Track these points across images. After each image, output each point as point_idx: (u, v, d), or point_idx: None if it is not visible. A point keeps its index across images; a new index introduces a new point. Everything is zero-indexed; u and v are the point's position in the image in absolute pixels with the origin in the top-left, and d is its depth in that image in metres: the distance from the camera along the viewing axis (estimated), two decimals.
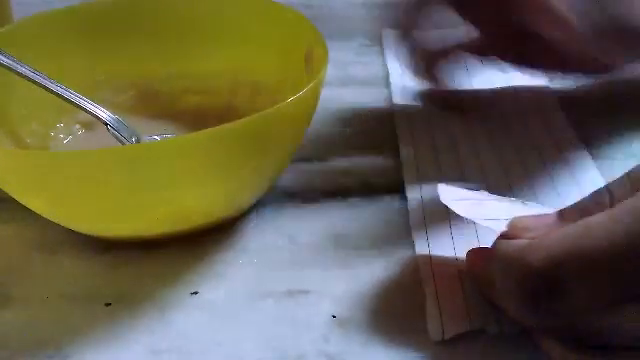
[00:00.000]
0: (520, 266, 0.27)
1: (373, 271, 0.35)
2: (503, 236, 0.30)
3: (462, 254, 0.35)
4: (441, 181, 0.37)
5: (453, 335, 0.31)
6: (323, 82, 0.37)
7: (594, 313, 0.26)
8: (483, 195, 0.35)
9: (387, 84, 0.52)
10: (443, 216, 0.38)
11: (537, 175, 0.41)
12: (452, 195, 0.34)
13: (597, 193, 0.29)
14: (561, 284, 0.26)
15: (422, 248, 0.36)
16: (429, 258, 0.36)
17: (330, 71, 0.37)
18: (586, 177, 0.41)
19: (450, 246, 0.36)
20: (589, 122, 0.46)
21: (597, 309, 0.26)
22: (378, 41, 0.59)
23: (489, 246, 0.32)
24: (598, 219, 0.26)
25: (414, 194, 0.40)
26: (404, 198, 0.40)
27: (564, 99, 0.48)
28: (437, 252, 0.36)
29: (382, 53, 0.56)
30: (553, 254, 0.26)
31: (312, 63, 0.39)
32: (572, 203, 0.30)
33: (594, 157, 0.43)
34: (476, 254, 0.34)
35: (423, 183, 0.41)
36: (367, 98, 0.51)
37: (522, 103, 0.48)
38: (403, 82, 0.51)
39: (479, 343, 0.31)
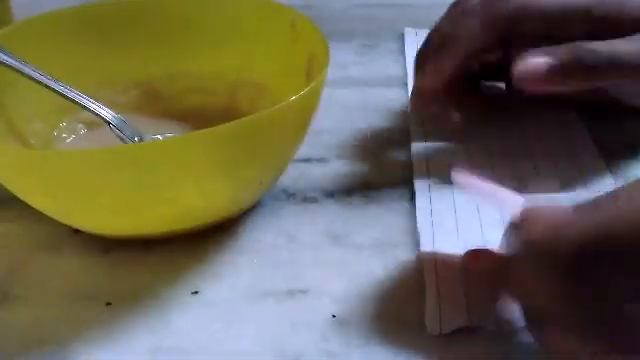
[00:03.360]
0: (553, 249, 0.27)
1: (373, 271, 0.36)
2: (515, 226, 0.30)
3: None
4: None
5: (451, 330, 0.32)
6: (324, 82, 0.37)
7: (626, 300, 0.26)
8: (496, 186, 0.35)
9: (388, 84, 0.52)
10: (450, 213, 0.39)
11: (550, 182, 0.41)
12: (466, 180, 0.34)
13: (613, 192, 0.29)
14: (596, 267, 0.26)
15: (427, 242, 0.37)
16: (433, 252, 0.36)
17: (330, 71, 0.37)
18: (600, 184, 0.41)
19: (455, 243, 0.36)
20: (608, 136, 0.45)
21: (630, 296, 0.26)
22: (378, 41, 0.59)
23: (493, 247, 0.32)
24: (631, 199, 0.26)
25: (422, 191, 0.40)
26: (404, 198, 0.40)
27: (584, 111, 0.47)
28: (442, 248, 0.36)
29: (400, 52, 0.57)
30: (588, 235, 0.26)
31: (313, 73, 0.39)
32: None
33: (611, 171, 0.42)
34: (480, 254, 0.33)
35: (432, 181, 0.41)
36: (367, 98, 0.51)
37: (540, 113, 0.47)
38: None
39: (479, 342, 0.31)
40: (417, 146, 0.45)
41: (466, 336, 0.32)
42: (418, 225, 0.38)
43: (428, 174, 0.42)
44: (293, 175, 0.42)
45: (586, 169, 0.42)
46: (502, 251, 0.31)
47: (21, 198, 0.36)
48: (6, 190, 0.35)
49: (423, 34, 0.57)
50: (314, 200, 0.41)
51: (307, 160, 0.44)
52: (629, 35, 0.38)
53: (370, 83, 0.53)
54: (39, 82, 0.39)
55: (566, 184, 0.41)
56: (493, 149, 0.44)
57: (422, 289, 0.34)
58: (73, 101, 0.40)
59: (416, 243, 0.37)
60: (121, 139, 0.40)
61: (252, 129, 0.33)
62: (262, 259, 0.37)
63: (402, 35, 0.59)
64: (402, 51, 0.57)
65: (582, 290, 0.26)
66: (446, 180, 0.41)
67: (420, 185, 0.41)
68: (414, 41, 0.58)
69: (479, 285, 0.33)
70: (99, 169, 0.32)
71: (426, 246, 0.36)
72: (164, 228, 0.37)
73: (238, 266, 0.36)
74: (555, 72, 0.37)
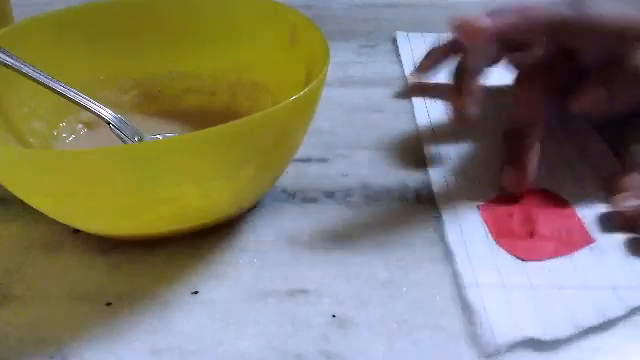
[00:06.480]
0: None
1: (373, 271, 0.36)
2: None
3: (503, 262, 0.35)
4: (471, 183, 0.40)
5: (507, 345, 0.31)
6: (324, 82, 0.37)
7: None
8: None
9: (387, 84, 0.52)
10: (478, 224, 0.38)
11: (564, 181, 0.41)
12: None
13: None
14: None
15: (462, 260, 0.36)
16: (471, 268, 0.35)
17: (330, 71, 0.37)
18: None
19: (490, 256, 0.36)
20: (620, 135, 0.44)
21: None
22: (378, 41, 0.59)
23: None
24: None
25: (444, 199, 0.40)
26: (404, 198, 0.41)
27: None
28: (477, 263, 0.36)
29: (397, 53, 0.57)
30: None
31: (313, 73, 0.39)
32: None
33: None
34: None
35: (452, 188, 0.41)
36: (367, 98, 0.51)
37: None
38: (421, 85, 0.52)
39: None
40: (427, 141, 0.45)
41: (466, 336, 0.32)
42: (449, 241, 0.37)
43: (446, 179, 0.42)
44: (293, 175, 0.42)
45: (599, 165, 0.42)
46: None
47: (21, 198, 0.36)
48: (6, 190, 0.35)
49: (415, 37, 0.58)
50: (314, 200, 0.41)
51: (307, 160, 0.44)
52: None
53: (370, 83, 0.53)
54: (39, 82, 0.39)
55: (580, 182, 0.41)
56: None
57: (422, 289, 0.34)
58: (73, 101, 0.40)
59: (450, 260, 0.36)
60: (121, 139, 0.40)
61: (252, 129, 0.33)
62: (262, 259, 0.37)
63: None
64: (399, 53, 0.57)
65: None
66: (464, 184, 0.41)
67: (440, 191, 0.41)
68: (407, 44, 0.58)
69: None
70: (99, 169, 0.32)
71: (462, 261, 0.36)
72: (164, 228, 0.37)
73: (238, 266, 0.36)
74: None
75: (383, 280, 0.35)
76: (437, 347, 0.31)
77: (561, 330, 0.31)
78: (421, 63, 0.52)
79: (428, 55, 0.51)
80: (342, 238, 0.38)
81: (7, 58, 0.39)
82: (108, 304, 0.34)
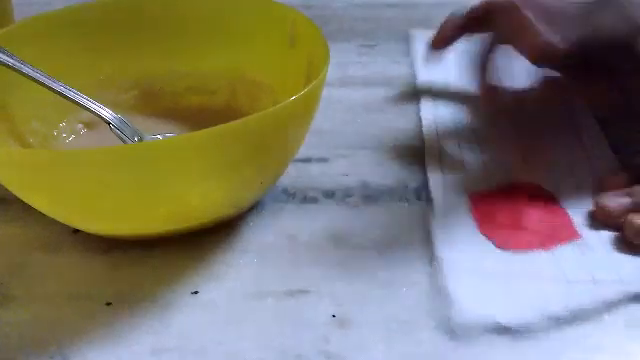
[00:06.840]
0: None
1: (373, 271, 0.36)
2: None
3: (483, 250, 0.36)
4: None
5: (476, 329, 0.32)
6: (324, 82, 0.37)
7: None
8: None
9: (388, 84, 0.52)
10: (464, 212, 0.39)
11: (564, 180, 0.41)
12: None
13: None
14: None
15: (442, 244, 0.36)
16: (449, 252, 0.36)
17: (330, 71, 0.37)
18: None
19: (470, 243, 0.36)
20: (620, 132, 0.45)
21: None
22: (378, 41, 0.59)
23: None
24: None
25: (438, 198, 0.40)
26: (403, 198, 0.41)
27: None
28: (457, 249, 0.36)
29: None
30: None
31: (313, 72, 0.39)
32: None
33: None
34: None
35: (447, 181, 0.41)
36: (367, 98, 0.51)
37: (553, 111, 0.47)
38: (430, 82, 0.52)
39: (478, 344, 0.31)
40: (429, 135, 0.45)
41: (465, 337, 0.32)
42: (433, 231, 0.38)
43: (443, 175, 0.42)
44: (293, 175, 0.42)
45: (598, 164, 0.42)
46: None
47: (21, 198, 0.36)
48: (6, 190, 0.35)
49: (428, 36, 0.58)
50: (314, 200, 0.41)
51: (307, 160, 0.44)
52: None
53: (370, 83, 0.53)
54: (39, 82, 0.39)
55: (577, 180, 0.41)
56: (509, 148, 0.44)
57: (422, 289, 0.34)
58: (73, 101, 0.40)
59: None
60: (121, 139, 0.40)
61: (252, 129, 0.33)
62: (262, 259, 0.37)
63: (402, 35, 0.59)
64: (402, 51, 0.57)
65: None
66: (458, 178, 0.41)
67: (435, 188, 0.41)
68: (422, 43, 0.57)
69: None
70: (99, 169, 0.32)
71: (442, 247, 0.36)
72: (164, 228, 0.37)
73: (238, 266, 0.36)
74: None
75: (383, 280, 0.35)
76: (437, 347, 0.31)
77: (529, 318, 0.32)
78: (435, 38, 0.50)
79: (443, 29, 0.49)
80: (342, 238, 0.38)
81: (7, 58, 0.39)
82: (108, 304, 0.34)
